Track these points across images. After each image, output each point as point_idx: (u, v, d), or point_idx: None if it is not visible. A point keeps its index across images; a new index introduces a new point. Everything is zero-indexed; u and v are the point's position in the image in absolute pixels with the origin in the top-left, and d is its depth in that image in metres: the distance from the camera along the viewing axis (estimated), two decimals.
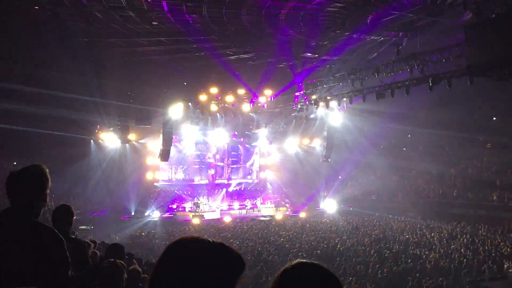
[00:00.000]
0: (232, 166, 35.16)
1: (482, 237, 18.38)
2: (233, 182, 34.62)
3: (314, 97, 27.64)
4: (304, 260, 1.57)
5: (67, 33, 19.06)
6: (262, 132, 33.70)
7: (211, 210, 30.14)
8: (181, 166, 33.25)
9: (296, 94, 29.15)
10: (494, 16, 14.31)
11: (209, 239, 1.56)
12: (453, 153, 32.40)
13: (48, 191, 2.83)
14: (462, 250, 15.89)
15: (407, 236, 19.11)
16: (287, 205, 32.43)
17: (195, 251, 1.49)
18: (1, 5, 16.28)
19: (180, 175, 33.19)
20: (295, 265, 1.55)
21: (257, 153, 35.64)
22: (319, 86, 27.28)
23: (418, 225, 22.46)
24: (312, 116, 31.58)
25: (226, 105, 30.07)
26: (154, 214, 28.64)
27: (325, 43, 22.64)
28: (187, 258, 1.47)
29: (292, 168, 35.19)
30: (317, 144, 34.02)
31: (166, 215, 29.35)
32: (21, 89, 22.01)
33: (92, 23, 18.30)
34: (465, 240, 17.87)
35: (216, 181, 33.80)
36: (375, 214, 27.86)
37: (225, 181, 34.38)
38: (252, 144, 35.09)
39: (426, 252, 15.49)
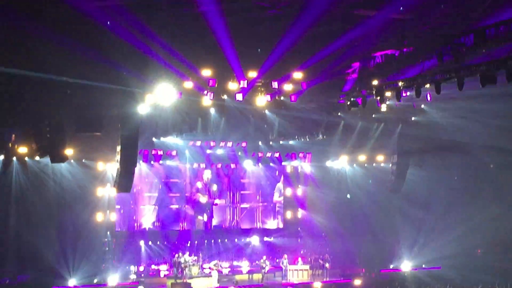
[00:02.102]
0: (241, 206, 28.49)
1: None
2: (241, 229, 28.32)
3: (375, 83, 21.82)
4: None
5: None
6: (290, 144, 27.69)
7: (203, 274, 24.32)
8: (154, 203, 26.58)
9: (346, 78, 23.25)
10: None
11: None
12: None
13: None
14: None
15: None
16: (327, 264, 25.69)
17: None
18: None
19: (151, 218, 26.44)
20: None
21: (282, 180, 28.85)
22: (384, 67, 21.50)
23: None
24: (373, 116, 25.76)
25: (227, 97, 23.12)
26: (108, 281, 23.18)
27: None
28: None
29: (340, 205, 28.79)
30: (382, 164, 28.62)
31: (128, 282, 23.82)
32: None
33: None
34: None
35: (213, 226, 27.23)
36: (480, 279, 21.73)
37: (227, 227, 28.00)
38: (272, 165, 28.00)
39: None
